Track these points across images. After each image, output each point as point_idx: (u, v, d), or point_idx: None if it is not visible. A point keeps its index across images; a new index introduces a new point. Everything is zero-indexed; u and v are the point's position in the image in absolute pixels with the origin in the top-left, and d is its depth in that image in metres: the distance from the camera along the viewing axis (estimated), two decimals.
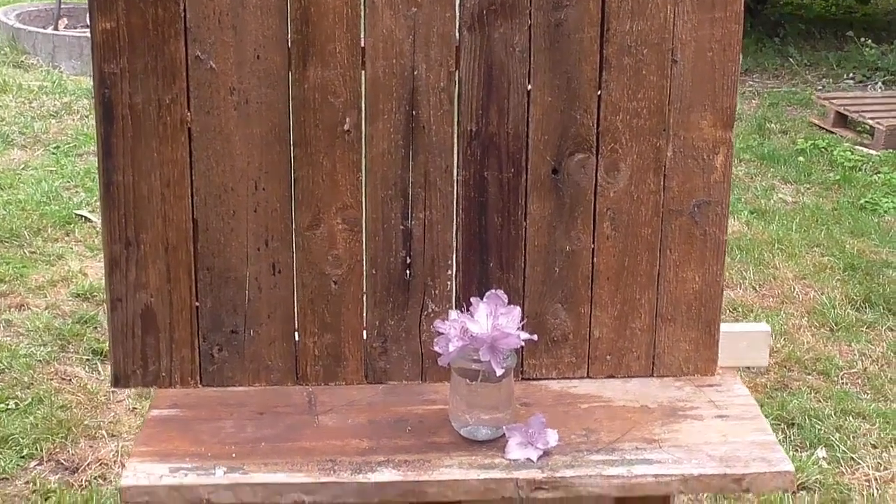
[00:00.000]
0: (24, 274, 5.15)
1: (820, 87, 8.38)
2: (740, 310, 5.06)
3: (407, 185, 2.10)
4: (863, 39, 9.01)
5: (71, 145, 6.67)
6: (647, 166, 2.13)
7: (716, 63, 2.10)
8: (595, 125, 2.11)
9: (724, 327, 2.23)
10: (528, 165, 2.12)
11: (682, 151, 2.13)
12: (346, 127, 2.07)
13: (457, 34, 2.07)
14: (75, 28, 8.13)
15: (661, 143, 2.12)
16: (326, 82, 2.06)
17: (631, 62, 2.09)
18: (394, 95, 2.07)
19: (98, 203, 2.11)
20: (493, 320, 1.96)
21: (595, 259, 2.16)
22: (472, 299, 2.00)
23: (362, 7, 2.04)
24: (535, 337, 2.03)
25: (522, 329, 1.98)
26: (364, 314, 2.16)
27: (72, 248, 5.44)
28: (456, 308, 2.11)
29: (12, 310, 4.85)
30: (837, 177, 6.66)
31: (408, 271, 2.14)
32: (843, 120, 7.42)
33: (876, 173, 6.73)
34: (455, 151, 2.11)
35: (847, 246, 5.77)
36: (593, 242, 2.15)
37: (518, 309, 1.98)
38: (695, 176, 2.14)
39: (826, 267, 5.52)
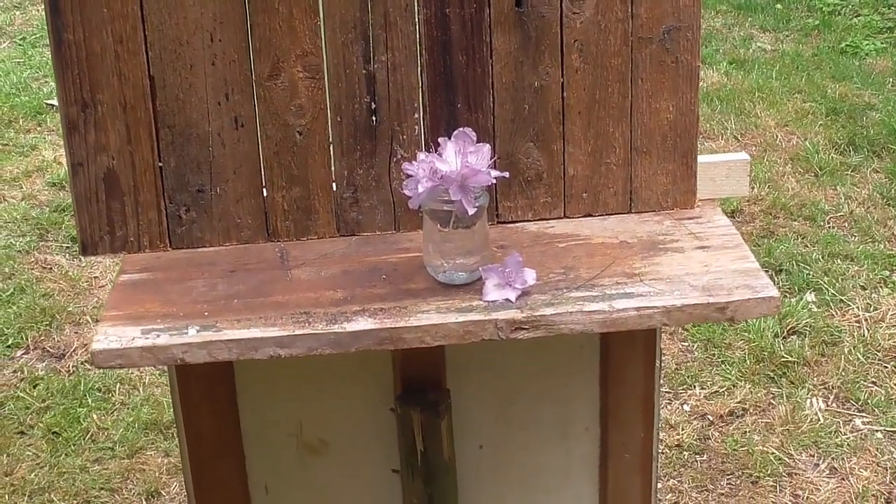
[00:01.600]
0: None
1: None
2: None
3: (367, 26, 2.03)
4: None
5: (37, 36, 6.56)
6: None
7: None
8: None
9: (701, 158, 2.18)
10: None
11: None
12: None
13: None
14: None
15: None
16: None
17: None
18: None
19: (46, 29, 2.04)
20: (462, 158, 1.91)
21: (565, 93, 2.10)
22: (440, 139, 1.94)
23: None
24: (506, 174, 1.98)
25: (494, 167, 1.93)
26: (332, 165, 2.11)
27: (44, 138, 5.38)
28: (425, 151, 2.06)
29: None
30: (817, 22, 6.57)
31: (374, 117, 2.08)
32: None
33: (856, 16, 6.63)
34: None
35: (829, 91, 5.71)
36: (562, 76, 2.09)
37: (488, 146, 1.93)
38: (663, 1, 2.07)
39: (808, 113, 5.48)
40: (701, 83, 2.20)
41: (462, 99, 2.08)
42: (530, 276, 1.94)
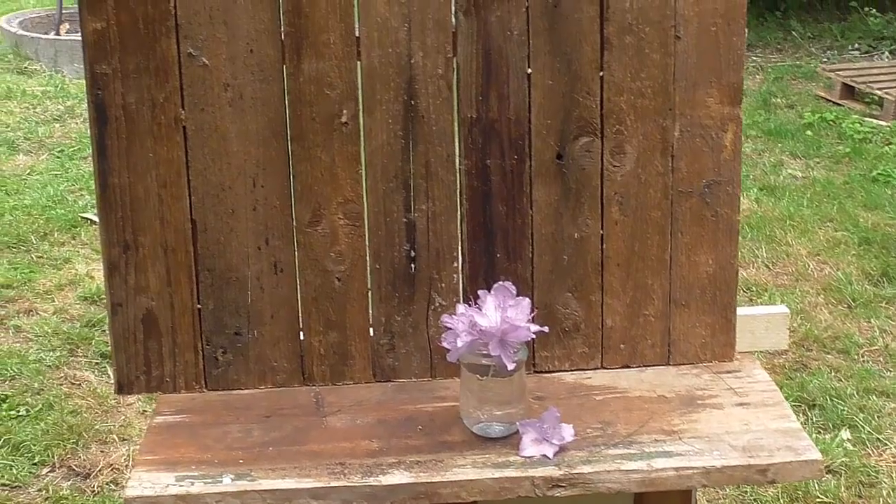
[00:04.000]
0: (32, 279, 5.13)
1: (825, 60, 8.29)
2: (754, 289, 4.99)
3: (408, 176, 2.05)
4: (866, 9, 8.91)
5: (75, 148, 6.64)
6: (654, 147, 2.07)
7: (720, 38, 2.05)
8: (598, 107, 2.05)
9: (740, 311, 2.17)
10: (532, 151, 2.06)
11: (689, 131, 2.07)
12: (343, 119, 2.02)
13: (453, 19, 2.01)
14: (77, 32, 8.10)
15: (667, 122, 2.06)
16: (322, 74, 2.00)
17: (632, 41, 2.03)
18: (391, 85, 2.02)
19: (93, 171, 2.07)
20: (501, 313, 1.91)
21: (604, 245, 2.11)
22: (479, 292, 1.94)
23: None
24: (545, 329, 1.98)
25: (532, 321, 1.93)
26: (370, 311, 2.11)
27: (78, 252, 5.41)
28: (463, 301, 2.06)
29: (21, 315, 4.83)
30: (847, 149, 6.59)
31: (412, 265, 2.09)
32: (850, 92, 7.34)
33: (887, 144, 6.65)
34: (456, 140, 2.05)
35: (861, 220, 5.70)
36: (602, 228, 2.10)
37: (527, 300, 1.93)
38: (703, 155, 2.08)
39: (840, 242, 5.45)
40: None
41: (501, 249, 2.09)
42: (568, 432, 1.93)
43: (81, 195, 6.03)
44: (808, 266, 5.23)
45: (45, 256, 5.33)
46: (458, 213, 2.08)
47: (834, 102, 7.35)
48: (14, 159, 6.54)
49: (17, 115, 7.15)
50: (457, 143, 2.05)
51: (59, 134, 6.84)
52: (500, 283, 1.94)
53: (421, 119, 2.03)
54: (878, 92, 7.08)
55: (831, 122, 6.98)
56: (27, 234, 5.54)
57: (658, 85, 2.05)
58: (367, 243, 2.08)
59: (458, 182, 2.07)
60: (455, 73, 2.03)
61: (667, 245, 2.11)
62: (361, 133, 2.03)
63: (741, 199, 5.91)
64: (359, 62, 2.01)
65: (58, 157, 6.51)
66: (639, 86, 2.04)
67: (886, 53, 8.29)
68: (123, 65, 1.99)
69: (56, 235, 5.55)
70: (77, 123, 6.99)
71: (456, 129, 2.05)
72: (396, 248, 2.08)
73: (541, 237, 2.09)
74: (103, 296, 4.74)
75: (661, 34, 2.03)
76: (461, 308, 1.94)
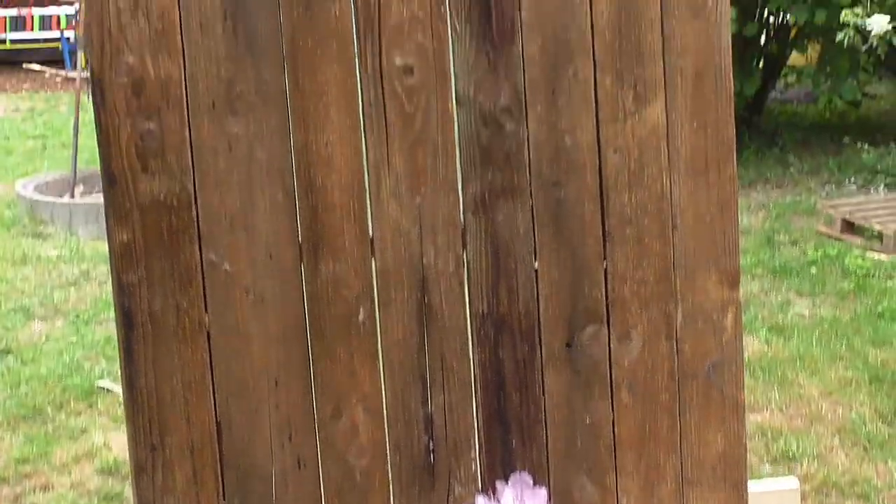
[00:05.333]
0: (48, 452, 5.15)
1: (824, 195, 8.43)
2: (769, 434, 5.02)
3: (424, 370, 2.13)
4: (860, 144, 9.09)
5: (90, 313, 6.72)
6: (659, 332, 2.16)
7: (715, 225, 2.15)
8: (604, 296, 2.14)
9: (751, 486, 2.23)
10: (542, 341, 2.15)
11: (691, 315, 2.16)
12: (360, 318, 2.11)
13: (462, 218, 2.12)
14: (91, 194, 8.26)
15: (670, 308, 2.15)
16: (338, 275, 2.10)
17: (633, 232, 2.13)
18: (405, 283, 2.11)
19: (119, 372, 2.14)
20: None
21: (616, 428, 2.18)
22: (497, 483, 2.01)
23: (368, 200, 2.10)
24: None
25: None
26: (391, 501, 2.17)
27: (95, 421, 5.45)
28: (482, 489, 2.12)
29: (37, 491, 4.84)
30: (852, 286, 6.66)
31: (431, 455, 2.16)
32: (850, 226, 7.45)
33: (889, 279, 6.73)
34: (469, 333, 2.14)
35: (870, 357, 5.74)
36: (612, 412, 2.17)
37: (544, 491, 1.99)
38: (706, 337, 2.17)
39: (851, 381, 5.49)
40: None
41: (517, 435, 2.16)
42: None
43: (97, 362, 6.10)
44: (822, 407, 5.25)
45: (62, 427, 5.37)
46: (474, 403, 2.15)
47: (835, 237, 7.45)
48: (30, 326, 6.62)
49: (32, 281, 7.26)
50: (470, 337, 2.14)
51: (74, 299, 6.94)
52: (517, 473, 2.00)
53: (434, 315, 2.12)
54: (877, 226, 7.19)
55: (834, 258, 7.07)
56: (43, 405, 5.59)
57: (659, 272, 2.14)
58: (386, 436, 2.15)
59: (472, 373, 2.15)
60: (465, 269, 2.13)
61: (676, 425, 2.18)
62: (378, 330, 2.12)
63: (751, 340, 5.91)
64: (373, 262, 2.11)
65: (73, 323, 6.59)
66: (641, 274, 2.14)
67: (882, 187, 8.43)
68: (149, 273, 2.09)
69: (72, 405, 5.60)
70: (92, 287, 7.09)
71: (468, 322, 2.13)
72: (415, 440, 2.15)
73: (554, 423, 2.17)
74: (121, 467, 4.78)
75: (659, 224, 2.13)
76: (480, 500, 2.00)
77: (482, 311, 2.13)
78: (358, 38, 2.09)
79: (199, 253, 2.09)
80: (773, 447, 4.77)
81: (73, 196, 8.27)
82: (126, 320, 2.10)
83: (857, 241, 7.31)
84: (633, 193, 2.12)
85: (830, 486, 4.53)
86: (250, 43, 2.06)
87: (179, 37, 2.05)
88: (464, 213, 2.12)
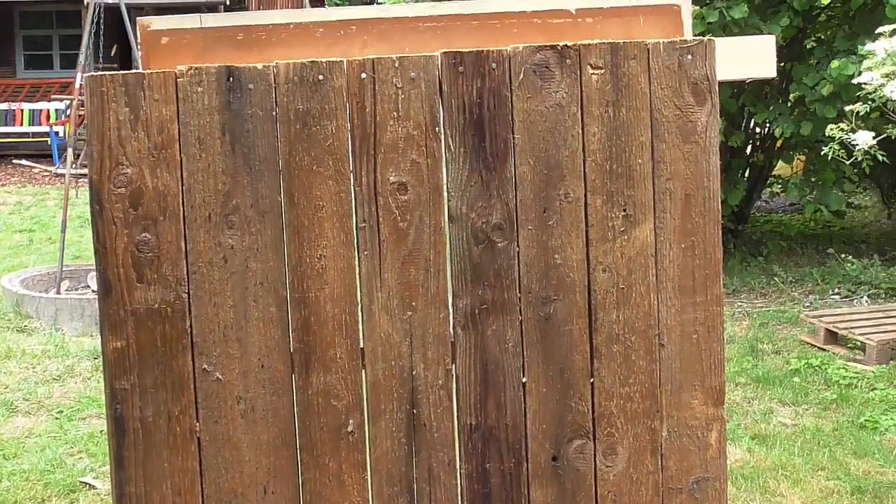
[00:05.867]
0: None
1: (807, 304, 8.51)
2: None
3: (412, 480, 2.16)
4: (843, 255, 9.20)
5: (74, 409, 6.71)
6: (644, 448, 2.19)
7: (701, 344, 2.19)
8: (590, 411, 2.18)
9: None
10: (528, 454, 2.18)
11: (676, 431, 2.20)
12: (349, 429, 2.14)
13: (451, 332, 2.16)
14: (76, 290, 8.29)
15: (655, 424, 2.19)
16: (329, 386, 2.14)
17: (620, 349, 2.18)
18: (394, 396, 2.15)
19: (102, 468, 2.15)
20: None
21: None
22: None
23: (360, 314, 2.14)
24: None
25: None
26: None
27: None
28: None
29: None
30: (834, 396, 6.70)
31: None
32: (833, 337, 7.52)
33: (872, 390, 6.77)
34: (456, 445, 2.17)
35: (852, 468, 5.76)
36: None
37: None
38: (691, 454, 2.20)
39: (833, 491, 5.51)
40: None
41: None
42: None
43: (80, 458, 6.08)
44: None
45: None
46: None
47: (819, 347, 7.51)
48: (13, 421, 6.61)
49: (16, 376, 7.26)
50: (457, 449, 2.17)
51: (58, 394, 6.93)
52: None
53: (423, 427, 2.15)
54: (860, 337, 7.25)
55: (817, 368, 7.12)
56: (24, 501, 5.56)
57: (645, 389, 2.18)
58: None
59: (458, 485, 2.17)
60: (454, 382, 2.16)
61: None
62: (367, 441, 2.15)
63: (734, 448, 5.91)
64: (364, 374, 2.15)
65: (56, 419, 6.59)
66: (627, 391, 2.18)
67: (865, 298, 8.51)
68: (141, 380, 2.12)
69: (54, 501, 5.57)
70: (76, 383, 7.10)
71: (456, 435, 2.17)
72: None
73: None
74: None
75: (646, 342, 2.18)
76: None
77: (470, 423, 2.17)
78: (353, 154, 2.15)
79: (191, 362, 2.13)
80: None
81: (58, 292, 8.30)
82: (118, 427, 2.13)
83: (841, 351, 7.36)
84: (621, 311, 2.17)
85: None
86: (247, 158, 2.12)
87: (178, 151, 2.11)
88: (454, 328, 2.16)
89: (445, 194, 2.16)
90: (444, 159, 2.16)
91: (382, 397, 2.15)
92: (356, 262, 2.15)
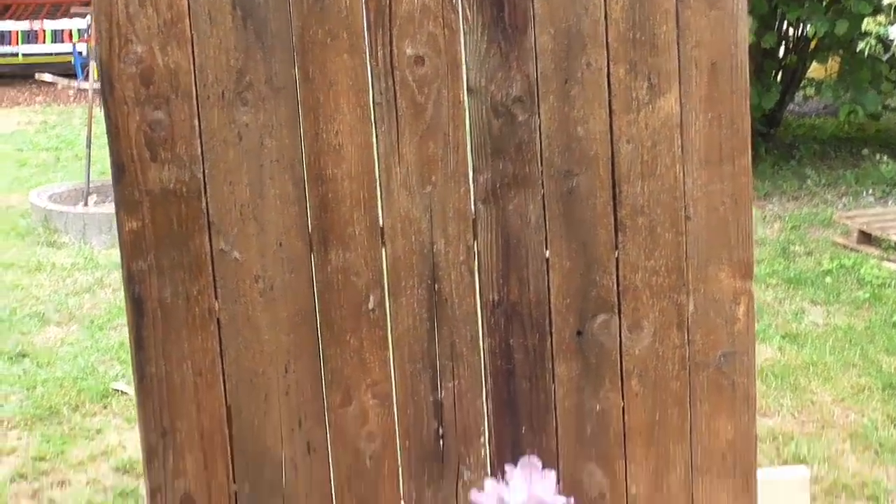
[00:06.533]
0: (65, 451, 5.18)
1: (841, 206, 8.42)
2: (780, 439, 5.01)
3: (434, 357, 2.14)
4: (878, 156, 9.07)
5: (104, 319, 6.75)
6: (670, 322, 2.16)
7: (728, 216, 2.14)
8: (615, 286, 2.14)
9: (761, 474, 2.23)
10: (552, 330, 2.15)
11: (703, 305, 2.16)
12: (370, 306, 2.12)
13: (472, 208, 2.12)
14: (104, 203, 8.30)
15: (681, 298, 2.15)
16: (348, 264, 2.11)
17: (645, 222, 2.13)
18: (415, 272, 2.11)
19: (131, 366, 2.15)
20: (528, 487, 1.97)
21: (626, 416, 2.18)
22: (506, 467, 2.01)
23: (379, 190, 2.10)
24: (571, 500, 2.03)
25: (558, 493, 1.99)
26: (401, 487, 2.17)
27: (110, 422, 5.47)
28: (491, 475, 2.12)
29: (54, 487, 4.87)
30: (867, 295, 6.65)
31: (441, 442, 2.16)
32: (867, 238, 7.44)
33: None
34: (479, 321, 2.14)
35: (884, 365, 5.73)
36: (622, 400, 2.17)
37: (553, 473, 1.99)
38: (718, 328, 2.16)
39: (864, 388, 5.48)
40: (756, 359, 2.27)
41: (526, 423, 2.16)
42: None
43: (112, 365, 6.13)
44: (834, 413, 5.24)
45: (78, 428, 5.40)
46: (484, 390, 2.16)
47: (851, 248, 7.44)
48: (45, 331, 6.66)
49: (47, 288, 7.30)
50: (480, 325, 2.14)
51: (88, 305, 6.97)
52: (527, 457, 2.00)
53: (445, 303, 2.12)
54: (894, 237, 7.17)
55: (850, 269, 7.06)
56: (59, 406, 5.61)
57: (671, 263, 2.14)
58: (396, 422, 2.15)
59: (482, 361, 2.15)
60: (476, 258, 2.13)
61: (686, 414, 2.18)
62: (388, 318, 2.12)
63: (764, 347, 5.91)
64: (384, 251, 2.11)
65: (88, 329, 6.63)
66: (653, 264, 2.14)
67: None
68: (158, 261, 2.10)
69: (88, 406, 5.62)
70: (106, 294, 7.13)
71: (479, 311, 2.14)
72: (425, 426, 2.15)
73: (564, 411, 2.17)
74: (136, 465, 4.80)
75: (672, 215, 2.13)
76: (489, 484, 2.00)
77: (493, 299, 2.13)
78: (368, 28, 2.09)
79: (209, 242, 2.10)
80: (783, 451, 4.76)
81: (86, 205, 8.30)
82: (136, 308, 2.11)
83: (874, 251, 7.29)
84: (645, 184, 2.13)
85: (840, 488, 4.51)
86: (260, 33, 2.07)
87: (188, 26, 2.07)
88: (474, 203, 2.12)
89: (464, 67, 2.11)
90: (461, 31, 2.10)
91: (403, 274, 2.12)
92: (373, 139, 2.10)
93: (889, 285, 6.70)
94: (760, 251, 7.26)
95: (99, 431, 5.31)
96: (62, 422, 5.38)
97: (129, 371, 5.82)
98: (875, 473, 4.65)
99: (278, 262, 2.10)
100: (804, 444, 4.82)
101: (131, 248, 2.09)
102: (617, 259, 2.14)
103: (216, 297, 2.11)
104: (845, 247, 7.43)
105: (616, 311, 2.15)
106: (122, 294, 6.55)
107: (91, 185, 8.22)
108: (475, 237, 2.12)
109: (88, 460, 5.03)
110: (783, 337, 6.07)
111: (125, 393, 5.60)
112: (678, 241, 2.14)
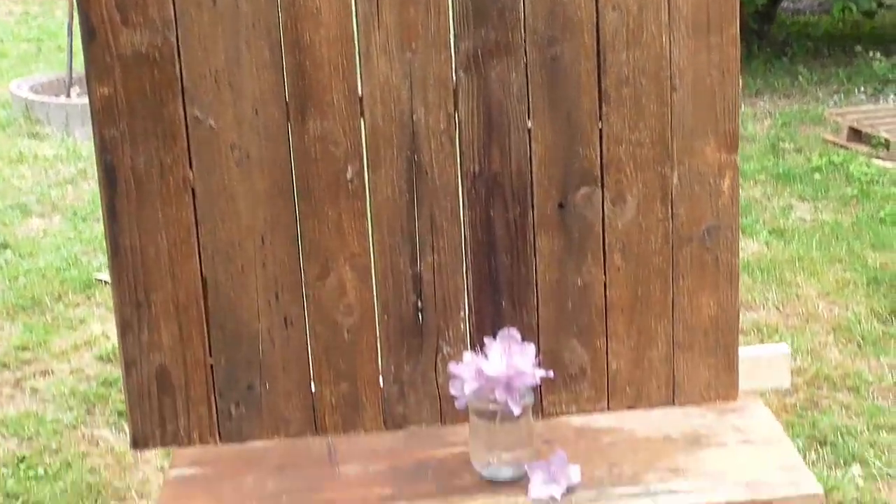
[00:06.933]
0: (48, 340, 5.17)
1: (832, 104, 8.35)
2: (765, 331, 5.01)
3: (413, 229, 2.10)
4: (871, 53, 8.98)
5: (87, 210, 6.71)
6: (654, 195, 2.12)
7: (715, 88, 2.10)
8: (598, 158, 2.10)
9: (742, 351, 2.21)
10: (534, 202, 2.11)
11: (687, 178, 2.12)
12: (348, 176, 2.07)
13: (453, 76, 2.07)
14: (87, 94, 8.20)
15: (665, 171, 2.11)
16: (326, 133, 2.06)
17: (630, 92, 2.08)
18: (394, 142, 2.07)
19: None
20: (507, 359, 1.95)
21: (607, 291, 2.15)
22: (485, 339, 1.99)
23: (357, 56, 2.05)
24: (550, 373, 2.02)
25: (538, 366, 1.97)
26: (379, 361, 2.15)
27: (93, 312, 5.46)
28: (471, 349, 2.10)
29: (37, 376, 4.87)
30: (855, 192, 6.63)
31: (420, 315, 2.13)
32: (857, 135, 7.39)
33: (894, 185, 6.69)
34: (459, 193, 2.10)
35: (869, 260, 5.72)
36: (604, 275, 2.14)
37: (532, 346, 1.97)
38: (702, 202, 2.13)
39: (849, 282, 5.48)
40: (742, 253, 2.24)
41: (507, 298, 2.13)
42: (575, 472, 1.96)
43: (95, 256, 6.09)
44: (818, 307, 5.25)
45: (60, 318, 5.38)
46: (464, 264, 2.12)
47: (841, 146, 7.40)
48: (27, 222, 6.61)
49: (29, 179, 7.24)
50: (460, 197, 2.10)
51: (71, 196, 6.92)
52: (506, 330, 1.98)
53: (424, 174, 2.08)
54: (885, 134, 7.13)
55: (839, 165, 7.03)
56: (42, 297, 5.59)
57: (656, 135, 2.10)
58: (375, 296, 2.12)
59: (462, 234, 2.11)
60: (457, 128, 2.08)
61: (669, 289, 2.15)
62: (367, 189, 2.08)
63: (751, 242, 5.91)
64: (362, 120, 2.07)
65: (70, 220, 6.58)
66: (637, 136, 2.10)
67: (892, 96, 8.34)
68: (131, 129, 2.05)
69: (70, 297, 5.60)
70: (89, 185, 7.07)
71: (459, 182, 2.10)
72: (404, 300, 2.12)
73: (545, 285, 2.14)
74: (118, 354, 4.81)
75: (657, 85, 2.08)
76: (468, 356, 1.98)
77: (473, 170, 2.09)
78: None
79: (182, 109, 2.05)
80: (767, 343, 4.77)
81: (68, 97, 8.20)
82: (108, 178, 2.07)
83: (864, 149, 7.25)
84: (631, 53, 2.07)
85: (822, 379, 4.54)
86: None
87: None
88: (455, 71, 2.07)
89: None
90: None
91: (382, 143, 2.07)
92: (352, 2, 2.04)
93: (877, 182, 6.68)
94: (750, 148, 7.22)
95: (82, 321, 5.29)
96: (45, 312, 5.36)
97: (108, 271, 5.81)
98: (857, 365, 4.67)
99: (254, 130, 2.05)
100: (788, 336, 4.84)
101: (103, 115, 2.04)
102: (601, 130, 2.09)
103: (191, 167, 2.06)
104: (835, 144, 7.39)
105: (599, 183, 2.11)
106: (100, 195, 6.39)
107: (74, 75, 8.09)
108: (456, 106, 2.07)
109: (71, 350, 5.03)
110: (770, 232, 6.06)
111: (108, 283, 5.58)
112: (663, 113, 2.09)
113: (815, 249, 5.82)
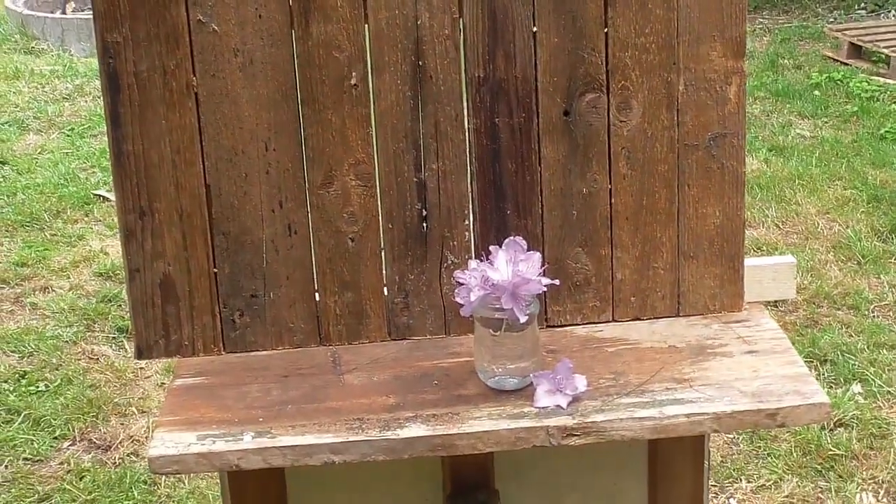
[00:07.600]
0: (47, 256, 5.17)
1: (832, 20, 8.29)
2: (765, 248, 5.02)
3: (418, 136, 2.08)
4: None
5: (85, 126, 6.68)
6: (660, 102, 2.10)
7: None
8: (604, 63, 2.08)
9: (748, 261, 2.20)
10: (539, 109, 2.09)
11: (693, 84, 2.10)
12: (352, 81, 2.05)
13: None
14: (83, 11, 8.11)
15: (672, 77, 2.09)
16: (330, 37, 2.03)
17: None
18: (399, 46, 2.04)
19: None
20: (513, 267, 1.94)
21: (613, 199, 2.13)
22: (491, 247, 1.98)
23: None
24: (556, 281, 2.01)
25: (543, 274, 1.96)
26: (383, 270, 2.14)
27: (92, 228, 5.46)
28: (475, 258, 2.09)
29: (37, 292, 4.87)
30: (855, 108, 6.60)
31: (424, 224, 2.12)
32: (857, 51, 7.34)
33: (894, 102, 6.66)
34: (464, 99, 2.08)
35: (870, 177, 5.72)
36: (610, 182, 2.13)
37: (538, 254, 1.96)
38: (708, 108, 2.11)
39: (849, 200, 5.48)
40: None
41: (511, 206, 2.12)
42: (581, 382, 1.96)
43: (93, 172, 6.08)
44: (818, 224, 5.25)
45: (59, 234, 5.38)
46: (468, 171, 2.11)
47: (841, 62, 7.35)
48: (24, 139, 6.58)
49: (25, 95, 7.19)
50: (465, 103, 2.08)
51: (68, 112, 6.88)
52: (511, 238, 1.97)
53: (429, 79, 2.05)
54: (885, 50, 7.09)
55: (838, 82, 6.99)
56: (40, 213, 5.58)
57: (662, 40, 2.07)
58: (378, 203, 2.11)
59: (467, 141, 2.09)
60: (461, 33, 2.05)
61: (674, 198, 2.14)
62: (371, 94, 2.06)
63: (751, 159, 5.91)
64: (366, 25, 2.04)
65: (68, 136, 6.56)
66: (643, 41, 2.07)
67: (893, 12, 8.27)
68: (134, 33, 2.02)
69: (69, 213, 5.60)
70: (86, 101, 7.03)
71: (464, 88, 2.07)
72: (408, 208, 2.11)
73: (550, 193, 2.12)
74: (118, 271, 4.81)
75: None
76: (473, 264, 1.97)
77: (478, 76, 2.07)
78: None
79: (185, 12, 2.02)
80: None
81: (64, 12, 8.12)
82: (111, 82, 2.04)
83: (864, 65, 7.21)
84: None
85: (822, 297, 4.55)
86: None
87: None
88: None
89: None
90: None
91: (386, 48, 2.04)
92: None
93: (877, 98, 6.65)
94: (749, 64, 7.17)
95: (81, 238, 5.29)
96: (43, 228, 5.36)
97: (111, 178, 5.79)
98: (857, 283, 4.68)
99: (258, 34, 2.02)
100: (788, 254, 4.84)
101: (105, 19, 2.01)
102: (606, 35, 2.06)
103: (194, 72, 2.04)
104: (835, 60, 7.34)
105: (604, 89, 2.08)
106: (102, 102, 6.42)
107: None
108: (460, 11, 2.04)
109: (71, 266, 5.03)
110: (769, 149, 6.04)
111: (107, 199, 5.57)
112: (669, 17, 2.06)
113: (815, 167, 5.81)
